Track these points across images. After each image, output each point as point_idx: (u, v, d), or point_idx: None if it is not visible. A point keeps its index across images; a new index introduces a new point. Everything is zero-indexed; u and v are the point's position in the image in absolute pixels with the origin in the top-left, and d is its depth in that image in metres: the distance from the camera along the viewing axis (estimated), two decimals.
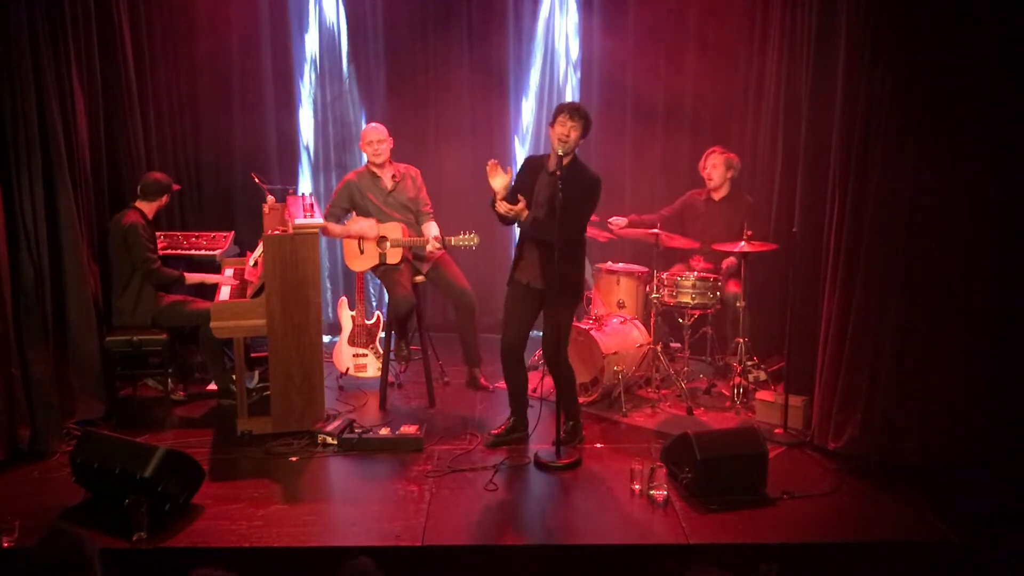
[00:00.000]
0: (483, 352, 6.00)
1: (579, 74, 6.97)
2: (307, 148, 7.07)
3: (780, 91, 5.92)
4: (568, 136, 4.66)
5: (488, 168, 4.76)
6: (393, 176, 5.70)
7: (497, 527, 4.20)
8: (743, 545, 3.98)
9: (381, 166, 5.69)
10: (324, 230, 5.62)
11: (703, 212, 6.12)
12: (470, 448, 4.99)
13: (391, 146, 5.75)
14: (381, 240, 5.58)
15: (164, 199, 5.58)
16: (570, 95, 6.95)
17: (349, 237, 5.65)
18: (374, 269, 5.70)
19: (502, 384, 5.95)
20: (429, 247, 5.55)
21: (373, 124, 5.82)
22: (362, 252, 5.64)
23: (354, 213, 5.74)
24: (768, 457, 4.49)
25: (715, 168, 6.02)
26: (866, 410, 4.72)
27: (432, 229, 5.71)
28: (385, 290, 5.91)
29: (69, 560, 2.45)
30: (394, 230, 5.61)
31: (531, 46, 6.97)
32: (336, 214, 5.68)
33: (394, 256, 5.58)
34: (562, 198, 4.56)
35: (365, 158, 5.78)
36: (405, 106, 6.80)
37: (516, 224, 4.88)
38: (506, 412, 5.32)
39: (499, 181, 4.72)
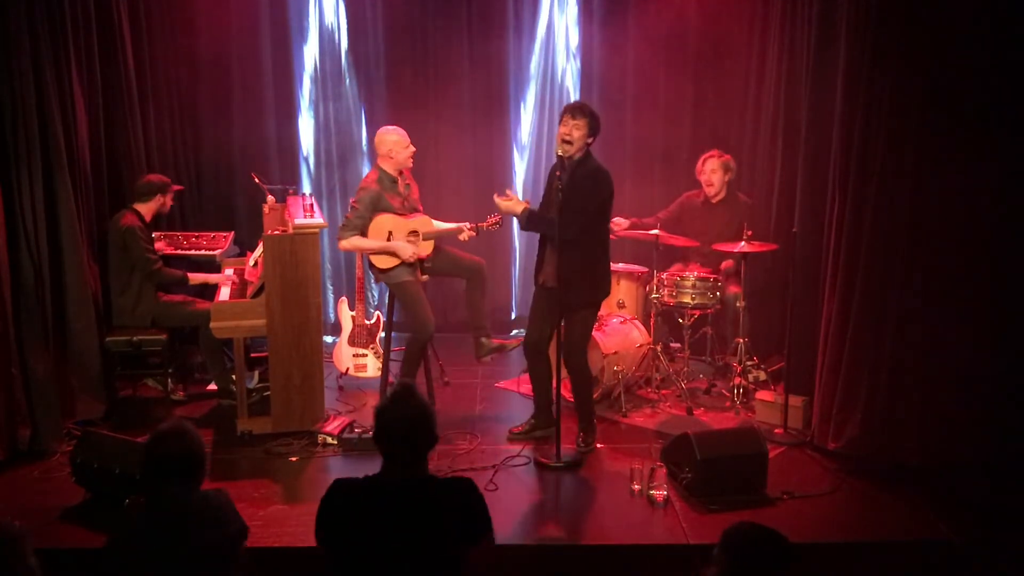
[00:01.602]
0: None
1: (579, 74, 6.97)
2: (306, 148, 7.05)
3: (780, 91, 5.92)
4: (570, 135, 4.66)
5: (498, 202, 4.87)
6: (405, 181, 5.51)
7: (497, 527, 4.17)
8: None
9: (400, 172, 5.44)
10: (347, 244, 5.32)
11: (700, 214, 6.11)
12: (470, 448, 4.99)
13: None
14: (412, 233, 5.38)
15: (159, 199, 5.54)
16: (570, 96, 6.95)
17: (386, 252, 5.33)
18: (390, 271, 5.40)
19: (503, 384, 5.99)
20: (463, 236, 5.37)
21: (396, 128, 5.46)
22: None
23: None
24: (768, 457, 4.49)
25: (714, 173, 6.01)
26: (866, 410, 4.72)
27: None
28: (399, 303, 5.58)
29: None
30: (424, 223, 5.43)
31: (531, 47, 6.96)
32: (359, 226, 5.30)
33: (426, 248, 5.38)
34: (561, 197, 4.57)
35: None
36: (405, 106, 6.78)
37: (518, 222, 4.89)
38: (506, 410, 5.36)
39: (505, 200, 4.82)
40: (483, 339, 5.55)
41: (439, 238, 5.49)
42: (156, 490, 2.88)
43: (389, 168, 5.39)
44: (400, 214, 5.37)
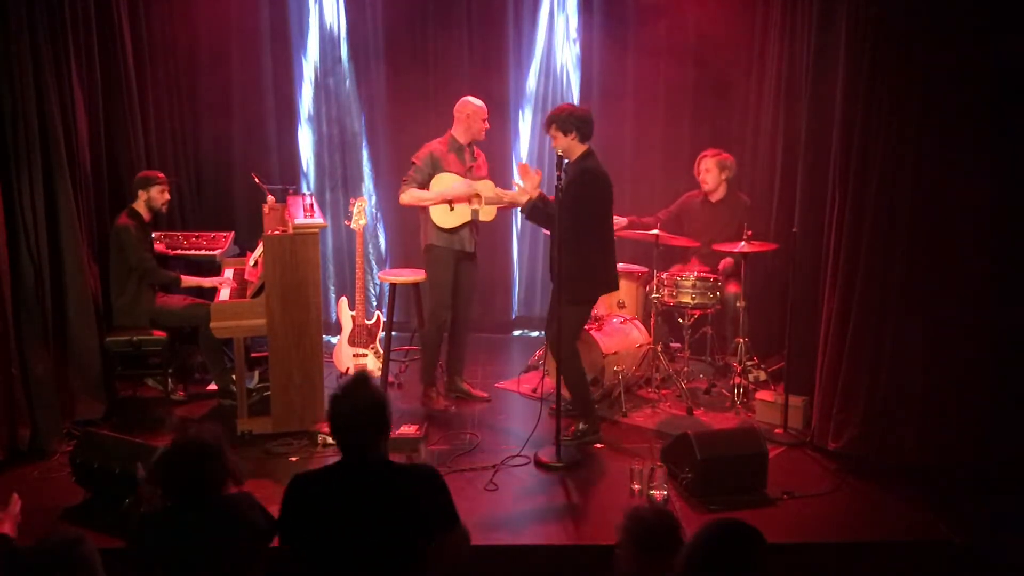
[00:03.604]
0: (482, 352, 5.99)
1: (580, 74, 6.97)
2: (306, 148, 7.04)
3: (780, 90, 5.92)
4: (554, 145, 4.86)
5: (520, 170, 4.93)
6: (473, 154, 5.55)
7: (497, 527, 4.19)
8: None
9: (470, 143, 5.50)
10: (406, 197, 5.37)
11: (700, 214, 6.12)
12: (470, 448, 4.99)
13: None
14: (475, 197, 5.39)
15: (143, 195, 5.47)
16: (571, 95, 6.96)
17: (444, 201, 5.37)
18: (452, 233, 5.43)
19: (503, 384, 5.99)
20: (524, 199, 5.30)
21: (478, 100, 5.49)
22: (452, 209, 5.41)
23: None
24: (768, 457, 4.49)
25: (709, 172, 6.02)
26: (866, 410, 4.72)
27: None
28: (427, 276, 5.57)
29: (63, 562, 2.46)
30: (487, 187, 5.44)
31: (531, 47, 6.96)
32: (419, 180, 5.38)
33: (488, 214, 5.43)
34: (560, 198, 4.64)
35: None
36: (406, 106, 6.79)
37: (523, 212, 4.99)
38: (507, 410, 5.37)
39: (529, 182, 4.89)
40: (455, 378, 5.73)
41: (501, 205, 5.50)
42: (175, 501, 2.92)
43: (460, 136, 5.48)
44: (463, 175, 5.43)
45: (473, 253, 5.56)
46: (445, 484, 2.90)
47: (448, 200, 5.38)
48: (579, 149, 4.82)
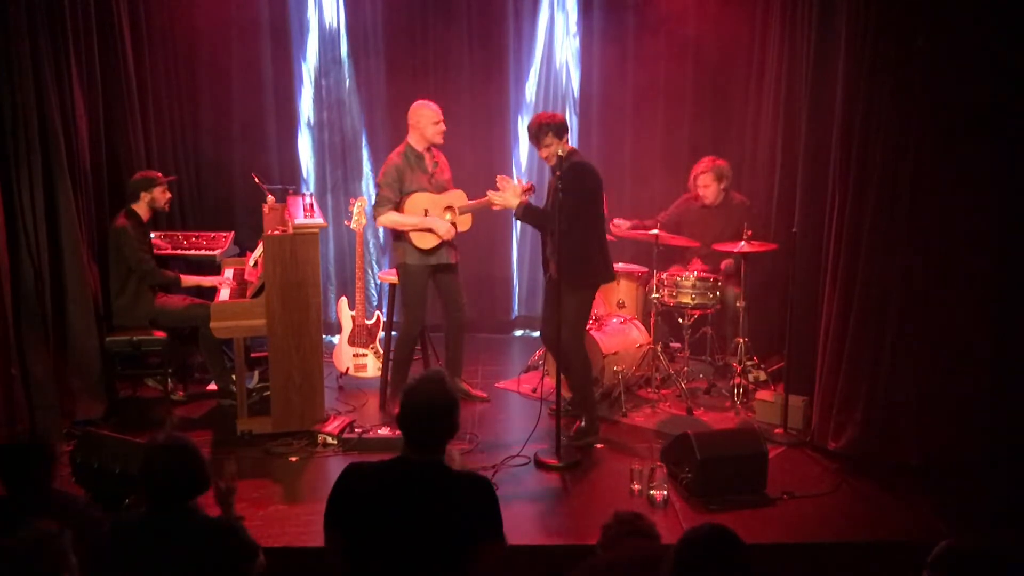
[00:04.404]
0: (482, 352, 5.97)
1: (579, 74, 6.96)
2: (306, 148, 7.04)
3: (780, 90, 5.92)
4: (545, 155, 4.96)
5: (499, 182, 5.01)
6: (433, 159, 5.49)
7: None
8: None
9: (428, 148, 5.43)
10: (385, 221, 5.35)
11: (699, 219, 6.12)
12: (470, 448, 4.99)
13: None
14: (447, 209, 5.39)
15: (146, 196, 5.44)
16: (571, 97, 6.96)
17: (424, 229, 5.33)
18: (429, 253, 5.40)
19: (503, 384, 5.99)
20: (496, 207, 5.30)
21: (430, 103, 5.44)
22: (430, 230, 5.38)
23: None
24: (768, 457, 4.49)
25: (707, 187, 6.01)
26: (866, 410, 4.72)
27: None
28: (399, 289, 5.59)
29: (41, 552, 2.45)
30: (459, 198, 5.45)
31: (531, 48, 6.96)
32: (393, 199, 5.31)
33: (464, 223, 5.43)
34: (559, 195, 4.69)
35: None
36: (405, 105, 6.77)
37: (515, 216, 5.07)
38: (506, 410, 5.34)
39: (509, 189, 4.98)
40: (454, 378, 5.64)
41: (476, 212, 5.49)
42: (155, 506, 2.88)
43: (417, 143, 5.39)
44: (431, 191, 5.39)
45: (451, 263, 5.51)
46: (496, 495, 2.90)
47: (426, 227, 5.32)
48: (567, 148, 4.96)
